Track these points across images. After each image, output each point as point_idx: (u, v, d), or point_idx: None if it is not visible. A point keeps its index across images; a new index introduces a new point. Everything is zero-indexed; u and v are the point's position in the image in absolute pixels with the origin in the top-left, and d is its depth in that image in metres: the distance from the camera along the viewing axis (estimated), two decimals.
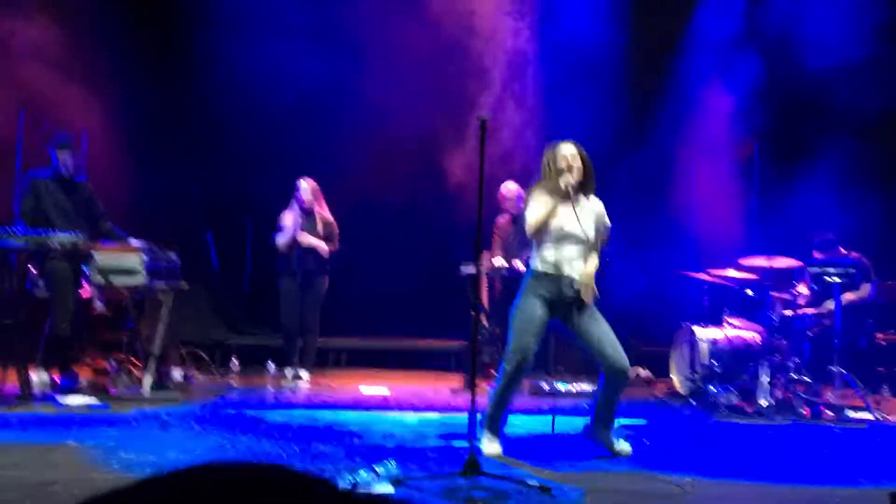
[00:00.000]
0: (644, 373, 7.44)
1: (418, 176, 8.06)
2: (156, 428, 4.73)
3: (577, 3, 7.85)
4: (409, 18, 7.66)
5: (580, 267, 4.43)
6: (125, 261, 5.76)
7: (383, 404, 6.14)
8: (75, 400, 5.51)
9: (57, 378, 6.08)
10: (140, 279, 5.78)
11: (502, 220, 7.25)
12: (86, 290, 6.55)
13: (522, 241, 7.17)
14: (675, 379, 6.90)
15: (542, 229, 4.38)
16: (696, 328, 6.64)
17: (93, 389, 5.98)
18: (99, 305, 6.45)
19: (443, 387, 7.20)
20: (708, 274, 6.84)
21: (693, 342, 6.58)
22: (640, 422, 5.64)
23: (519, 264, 7.03)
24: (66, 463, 3.76)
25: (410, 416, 5.61)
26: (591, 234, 4.44)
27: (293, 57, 7.69)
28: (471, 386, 4.09)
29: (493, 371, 6.95)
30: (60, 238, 5.37)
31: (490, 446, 4.38)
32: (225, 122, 7.94)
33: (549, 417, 5.66)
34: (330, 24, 7.91)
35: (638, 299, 7.81)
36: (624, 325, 7.88)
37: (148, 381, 5.95)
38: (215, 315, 8.61)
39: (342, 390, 6.80)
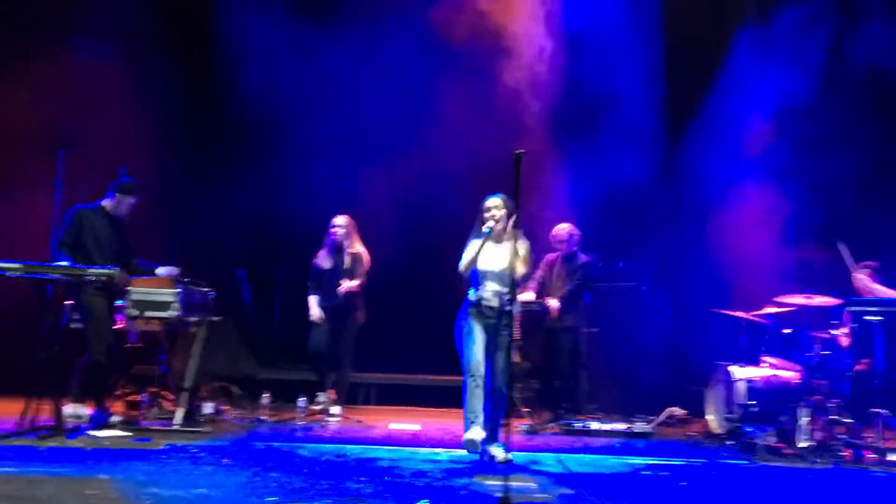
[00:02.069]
0: (679, 412, 7.30)
1: (451, 211, 8.07)
2: (186, 462, 4.72)
3: (609, 41, 7.88)
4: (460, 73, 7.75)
5: (501, 297, 5.28)
6: (160, 294, 5.82)
7: (413, 441, 6.08)
8: (107, 433, 5.54)
9: (90, 411, 6.13)
10: (174, 313, 5.83)
11: (551, 257, 7.29)
12: (120, 323, 6.63)
13: (564, 279, 7.16)
14: (711, 419, 6.75)
15: (469, 267, 5.27)
16: (732, 367, 6.51)
17: (125, 422, 6.00)
18: (133, 338, 6.53)
19: None
20: (744, 312, 6.73)
21: (729, 382, 6.46)
22: (677, 462, 5.52)
23: (552, 302, 6.99)
24: (98, 497, 3.76)
25: (441, 454, 5.54)
26: (510, 269, 4.94)
27: (330, 96, 7.81)
28: (515, 424, 4.03)
29: (525, 409, 6.90)
30: (97, 271, 5.43)
31: (474, 432, 5.13)
32: (260, 158, 8.06)
33: (582, 456, 5.59)
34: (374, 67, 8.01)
35: (672, 336, 7.72)
36: (657, 363, 7.83)
37: (179, 414, 5.96)
38: (246, 349, 8.63)
39: (372, 426, 6.76)
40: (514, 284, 4.94)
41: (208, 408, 6.57)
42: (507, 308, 5.16)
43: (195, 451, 5.09)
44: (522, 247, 5.26)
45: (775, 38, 7.89)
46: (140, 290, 5.83)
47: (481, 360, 5.28)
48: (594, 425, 6.71)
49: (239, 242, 8.41)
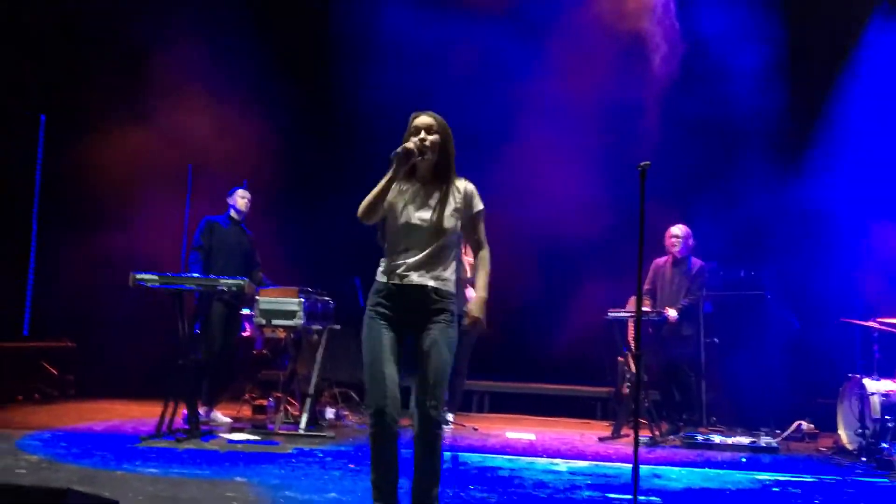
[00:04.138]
0: (807, 426, 7.01)
1: (571, 219, 8.04)
2: (316, 467, 4.88)
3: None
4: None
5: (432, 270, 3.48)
6: (286, 304, 6.06)
7: (530, 450, 6.08)
8: (239, 436, 5.80)
9: (220, 414, 6.47)
10: (299, 321, 6.06)
11: (660, 260, 7.15)
12: (248, 331, 6.96)
13: (681, 286, 7.00)
14: (843, 434, 6.46)
15: (370, 210, 3.42)
16: (865, 380, 6.21)
17: (253, 426, 6.27)
18: (259, 345, 6.83)
19: (589, 434, 7.07)
20: (878, 322, 6.41)
21: (863, 395, 6.16)
22: (808, 478, 5.31)
23: (671, 311, 6.84)
24: (237, 499, 3.94)
25: (560, 464, 5.52)
26: (442, 228, 3.47)
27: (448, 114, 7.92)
28: (633, 435, 3.99)
29: (643, 420, 6.78)
30: (228, 282, 5.70)
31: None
32: (377, 168, 8.24)
33: (706, 471, 5.45)
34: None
35: (799, 347, 7.43)
36: (782, 374, 7.54)
37: (304, 419, 6.17)
38: None
39: (487, 434, 6.80)
40: (448, 254, 3.50)
41: (330, 413, 6.79)
42: (443, 290, 3.46)
43: (322, 455, 5.26)
44: (470, 202, 3.54)
45: None
46: (267, 300, 6.10)
47: (391, 383, 3.42)
48: (716, 438, 6.54)
49: (357, 251, 8.63)
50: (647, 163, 3.79)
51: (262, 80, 8.21)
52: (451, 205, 3.51)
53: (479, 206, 3.60)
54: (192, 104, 8.06)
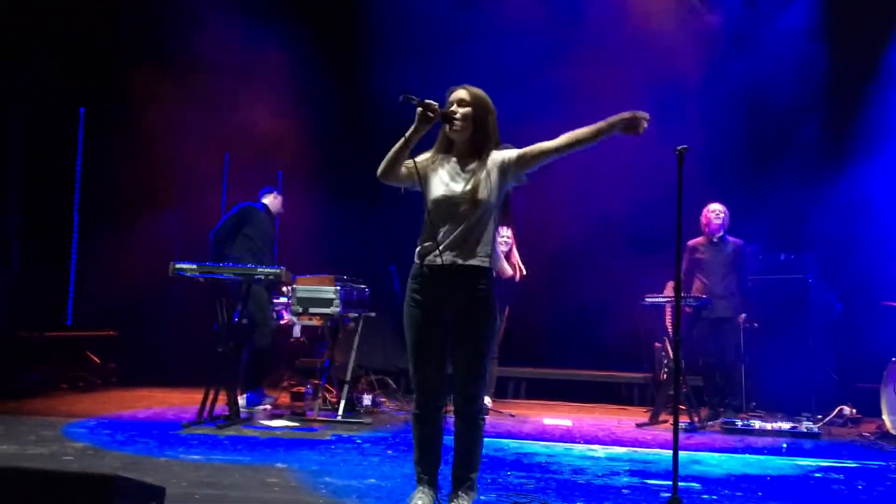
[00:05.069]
0: (849, 410, 6.90)
1: (607, 207, 7.98)
2: (354, 453, 4.92)
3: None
4: None
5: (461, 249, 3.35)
6: (322, 292, 6.10)
7: (567, 436, 6.07)
8: (278, 423, 5.87)
9: (252, 395, 6.60)
10: (335, 309, 6.10)
11: (692, 243, 7.07)
12: (285, 319, 7.03)
13: (722, 264, 6.92)
14: (887, 419, 6.33)
15: (390, 169, 3.38)
16: None
17: (292, 413, 6.34)
18: (297, 333, 6.90)
19: (627, 420, 7.03)
20: None
21: None
22: (851, 464, 5.23)
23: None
24: (279, 485, 3.99)
25: (598, 451, 5.50)
26: (474, 203, 3.32)
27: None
28: (672, 422, 3.95)
29: (682, 406, 6.73)
30: (266, 270, 5.75)
31: (421, 498, 3.54)
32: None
33: (746, 457, 5.39)
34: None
35: (841, 331, 7.31)
36: (824, 358, 7.42)
37: (342, 405, 6.23)
38: (401, 343, 8.87)
39: (524, 420, 6.80)
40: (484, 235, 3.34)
41: (367, 399, 6.84)
42: (479, 268, 3.32)
43: (360, 441, 5.31)
44: (502, 158, 3.38)
45: None
46: (304, 288, 6.15)
47: (432, 371, 3.44)
48: (756, 424, 6.46)
49: (393, 237, 8.67)
50: (685, 147, 3.72)
51: (298, 67, 8.24)
52: (485, 174, 3.36)
53: (511, 152, 3.42)
54: (228, 92, 8.13)
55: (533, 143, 3.43)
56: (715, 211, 7.00)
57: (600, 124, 3.31)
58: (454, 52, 7.91)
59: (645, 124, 3.29)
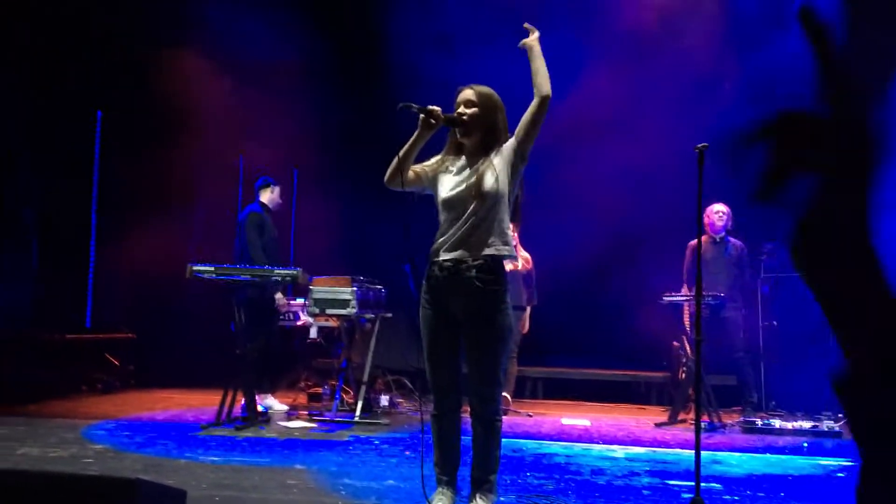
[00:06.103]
0: None
1: (627, 204, 7.93)
2: (372, 454, 4.92)
3: None
4: None
5: (468, 249, 3.33)
6: (339, 293, 6.10)
7: (586, 436, 6.04)
8: (296, 424, 5.88)
9: (282, 403, 6.59)
10: (351, 310, 6.10)
11: (693, 243, 7.02)
12: (302, 320, 7.04)
13: (723, 265, 6.90)
14: None
15: (396, 174, 3.38)
16: None
17: (309, 414, 6.35)
18: (314, 334, 6.91)
19: (645, 420, 7.00)
20: None
21: None
22: None
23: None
24: (298, 487, 3.99)
25: (617, 451, 5.48)
26: (486, 186, 3.29)
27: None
28: (694, 421, 3.92)
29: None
30: (282, 272, 5.76)
31: (441, 500, 3.55)
32: (424, 155, 8.23)
33: (767, 456, 5.35)
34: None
35: None
36: (844, 356, 7.34)
37: (359, 406, 6.23)
38: (417, 344, 8.86)
39: (542, 420, 6.78)
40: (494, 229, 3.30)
41: (384, 400, 6.84)
42: (489, 266, 3.29)
43: (378, 442, 5.31)
44: (507, 146, 3.36)
45: None
46: (321, 289, 6.15)
47: (447, 373, 3.43)
48: (777, 423, 6.41)
49: (412, 238, 8.66)
50: (705, 144, 3.69)
51: (315, 65, 8.25)
52: (489, 166, 3.33)
53: (511, 138, 3.41)
54: (243, 93, 8.15)
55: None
56: (718, 212, 7.08)
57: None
58: (474, 50, 7.88)
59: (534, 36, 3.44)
